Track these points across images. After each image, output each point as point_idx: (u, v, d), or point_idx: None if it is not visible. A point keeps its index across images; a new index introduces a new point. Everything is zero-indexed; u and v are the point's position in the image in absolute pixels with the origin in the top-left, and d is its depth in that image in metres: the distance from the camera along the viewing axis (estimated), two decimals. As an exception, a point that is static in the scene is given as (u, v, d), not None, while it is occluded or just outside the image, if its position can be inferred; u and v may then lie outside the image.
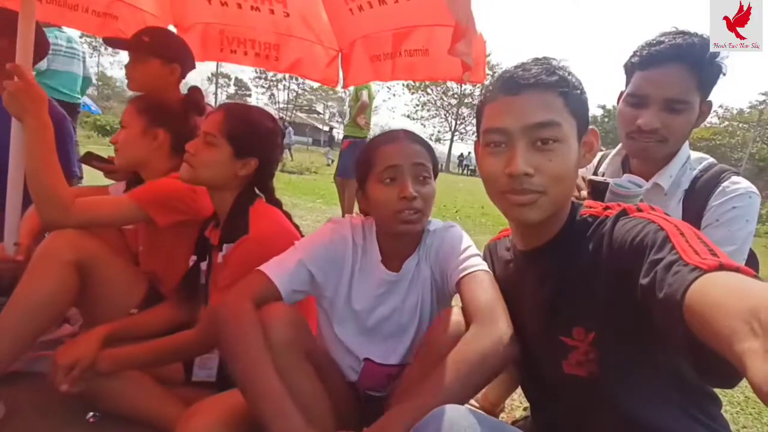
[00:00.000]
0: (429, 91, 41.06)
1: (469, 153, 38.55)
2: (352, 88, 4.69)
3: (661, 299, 0.58)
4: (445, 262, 1.10)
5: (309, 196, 7.38)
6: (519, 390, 1.83)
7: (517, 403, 1.76)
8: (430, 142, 1.18)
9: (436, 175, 1.15)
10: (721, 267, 0.56)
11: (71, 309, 1.57)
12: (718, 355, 0.49)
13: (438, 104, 43.13)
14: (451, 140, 42.45)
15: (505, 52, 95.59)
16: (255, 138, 1.31)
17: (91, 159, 1.73)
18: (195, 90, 1.73)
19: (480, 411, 0.82)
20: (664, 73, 1.13)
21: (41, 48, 1.84)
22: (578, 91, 0.83)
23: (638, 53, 1.18)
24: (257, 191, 1.39)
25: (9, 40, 1.39)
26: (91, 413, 1.31)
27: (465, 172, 35.83)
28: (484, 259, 1.10)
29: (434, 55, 2.11)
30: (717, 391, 0.87)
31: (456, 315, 0.97)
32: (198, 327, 1.21)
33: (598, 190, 1.10)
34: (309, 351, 1.00)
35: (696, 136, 27.11)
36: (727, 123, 31.17)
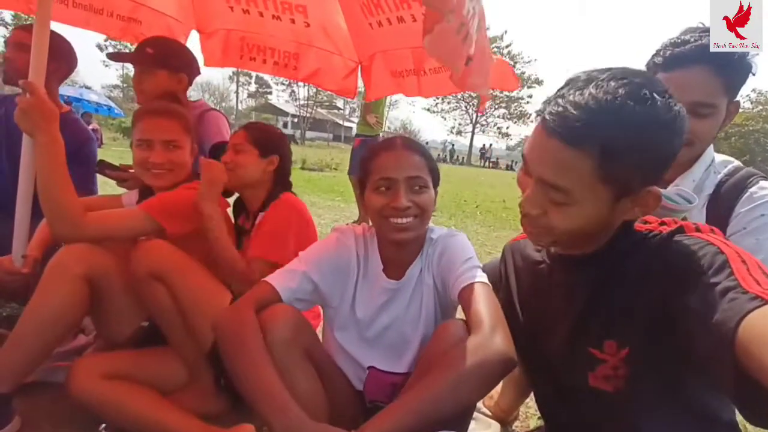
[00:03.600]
0: (449, 83, 40.58)
1: (491, 145, 38.09)
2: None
3: (713, 325, 0.56)
4: (446, 271, 1.09)
5: (328, 194, 7.39)
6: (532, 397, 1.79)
7: (533, 411, 1.71)
8: (452, 135, 1.16)
9: (436, 182, 1.14)
10: None
11: (86, 320, 1.59)
12: (765, 390, 0.47)
13: (458, 96, 42.69)
14: (473, 133, 42.04)
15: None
16: (272, 139, 1.61)
17: (103, 168, 1.75)
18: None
19: None
20: (688, 75, 1.06)
21: (70, 62, 1.88)
22: (628, 154, 0.74)
23: (661, 53, 1.11)
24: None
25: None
26: (103, 425, 1.33)
27: (486, 164, 35.41)
28: (502, 258, 1.13)
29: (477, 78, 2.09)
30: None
31: (458, 327, 0.96)
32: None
33: None
34: (310, 351, 1.02)
35: (728, 121, 26.09)
36: (761, 107, 29.81)
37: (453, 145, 42.27)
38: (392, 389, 1.14)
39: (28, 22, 1.72)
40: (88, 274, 1.30)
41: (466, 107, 43.25)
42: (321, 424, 0.84)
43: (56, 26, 1.61)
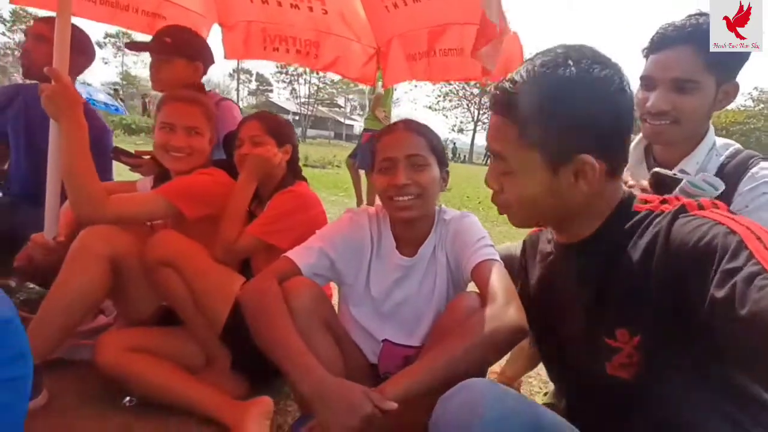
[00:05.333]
0: (451, 81, 40.55)
1: (492, 143, 37.96)
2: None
3: (745, 317, 0.53)
4: (460, 250, 1.13)
5: (332, 190, 7.45)
6: (538, 374, 1.84)
7: (537, 389, 1.77)
8: (453, 134, 1.21)
9: (442, 162, 1.19)
10: None
11: (105, 301, 1.65)
12: None
13: (460, 94, 42.67)
14: (474, 131, 41.96)
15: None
16: (285, 129, 1.63)
17: (118, 154, 1.80)
18: None
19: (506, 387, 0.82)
20: (670, 54, 1.14)
21: (88, 55, 1.93)
22: (545, 122, 0.76)
23: (651, 38, 1.19)
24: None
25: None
26: (128, 398, 1.38)
27: (488, 162, 35.33)
28: (522, 251, 1.13)
29: (469, 54, 2.11)
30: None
31: (471, 299, 1.01)
32: None
33: (663, 185, 1.07)
34: (328, 322, 1.08)
35: (729, 120, 25.94)
36: (762, 105, 29.74)
37: (455, 143, 42.24)
38: (405, 362, 1.19)
39: (26, 20, 1.78)
40: (110, 256, 1.36)
41: (467, 105, 43.20)
42: (341, 379, 0.90)
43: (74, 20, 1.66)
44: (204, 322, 1.43)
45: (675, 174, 1.08)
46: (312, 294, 1.05)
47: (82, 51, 1.85)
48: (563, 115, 0.74)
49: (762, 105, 29.81)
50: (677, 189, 1.03)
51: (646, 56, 1.22)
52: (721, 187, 1.03)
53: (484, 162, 35.25)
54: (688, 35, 1.11)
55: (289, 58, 2.51)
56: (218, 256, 1.45)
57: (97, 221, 1.35)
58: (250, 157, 1.49)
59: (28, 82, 2.01)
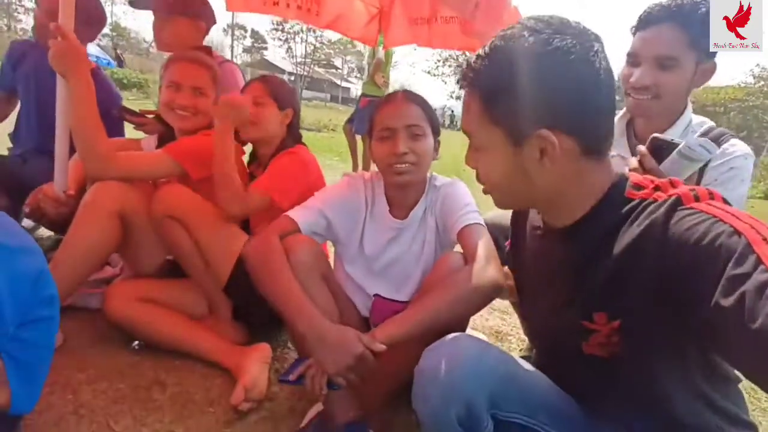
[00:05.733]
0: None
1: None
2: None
3: (757, 331, 0.50)
4: (448, 213, 1.23)
5: (326, 154, 7.46)
6: (517, 333, 1.99)
7: (515, 346, 1.91)
8: (451, 100, 1.27)
9: (435, 131, 1.27)
10: None
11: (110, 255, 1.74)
12: None
13: (460, 60, 41.20)
14: (472, 99, 41.26)
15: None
16: (288, 92, 1.68)
17: (123, 112, 1.85)
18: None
19: (488, 342, 0.89)
20: (654, 31, 1.20)
21: (100, 23, 1.94)
22: (506, 96, 0.74)
23: (639, 16, 1.25)
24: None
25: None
26: (136, 342, 1.50)
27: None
28: (513, 217, 1.09)
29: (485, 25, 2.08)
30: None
31: (456, 258, 1.12)
32: None
33: (660, 148, 1.11)
34: (325, 276, 1.18)
35: (729, 97, 25.71)
36: (763, 83, 29.48)
37: (453, 110, 41.72)
38: (394, 315, 1.31)
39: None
40: (119, 211, 1.44)
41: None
42: (337, 324, 1.01)
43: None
44: (208, 273, 1.53)
45: (672, 139, 1.13)
46: (311, 250, 1.15)
47: (95, 21, 1.88)
48: (519, 87, 0.71)
49: (762, 82, 29.52)
50: (674, 152, 1.08)
51: (634, 34, 1.28)
52: (715, 151, 1.09)
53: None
54: (671, 14, 1.18)
55: (290, 13, 2.47)
56: (232, 211, 1.47)
57: (104, 177, 1.42)
58: (218, 104, 1.44)
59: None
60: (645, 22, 1.23)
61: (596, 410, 0.81)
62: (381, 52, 4.51)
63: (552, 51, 0.69)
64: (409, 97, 1.26)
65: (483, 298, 1.03)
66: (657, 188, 0.73)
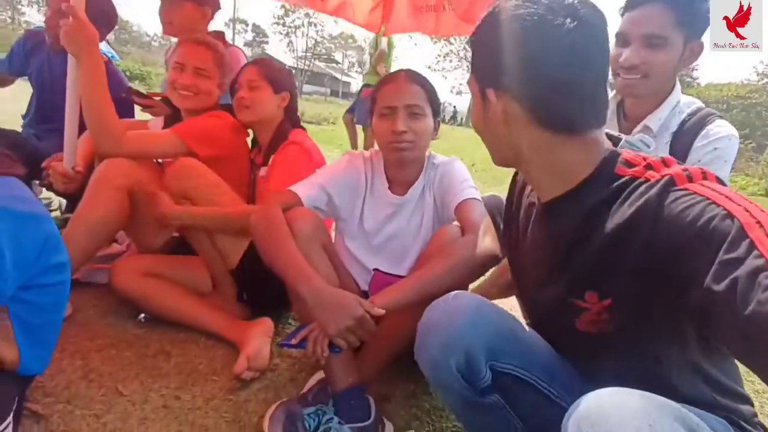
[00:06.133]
0: (452, 41, 39.66)
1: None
2: (372, 35, 4.69)
3: (748, 317, 0.50)
4: (446, 189, 1.28)
5: (327, 146, 7.47)
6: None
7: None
8: (451, 95, 1.31)
9: (436, 112, 1.31)
10: None
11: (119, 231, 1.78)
12: None
13: (461, 55, 41.75)
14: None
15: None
16: (283, 76, 1.66)
17: (131, 94, 1.89)
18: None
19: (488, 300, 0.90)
20: (642, 11, 1.23)
21: (111, 23, 2.00)
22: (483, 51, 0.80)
23: None
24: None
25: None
26: (142, 315, 1.55)
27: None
28: (510, 189, 1.09)
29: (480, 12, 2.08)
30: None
31: (453, 230, 1.16)
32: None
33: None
34: (326, 247, 1.22)
35: (731, 94, 25.60)
36: (766, 80, 29.36)
37: (455, 106, 41.64)
38: None
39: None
40: (128, 186, 1.49)
41: (468, 67, 42.28)
42: (338, 289, 1.06)
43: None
44: (217, 254, 1.56)
45: (618, 135, 1.18)
46: (312, 221, 1.19)
47: (106, 23, 1.93)
48: (482, 45, 0.79)
49: (766, 80, 29.38)
50: (618, 146, 1.14)
51: (622, 15, 1.31)
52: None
53: (481, 126, 34.82)
54: None
55: (298, 0, 2.51)
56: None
57: (114, 155, 1.46)
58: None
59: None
60: (633, 2, 1.26)
61: (592, 380, 0.76)
62: (384, 43, 4.54)
63: (513, 16, 0.71)
64: (410, 76, 1.29)
65: (479, 267, 1.08)
66: (649, 167, 0.71)
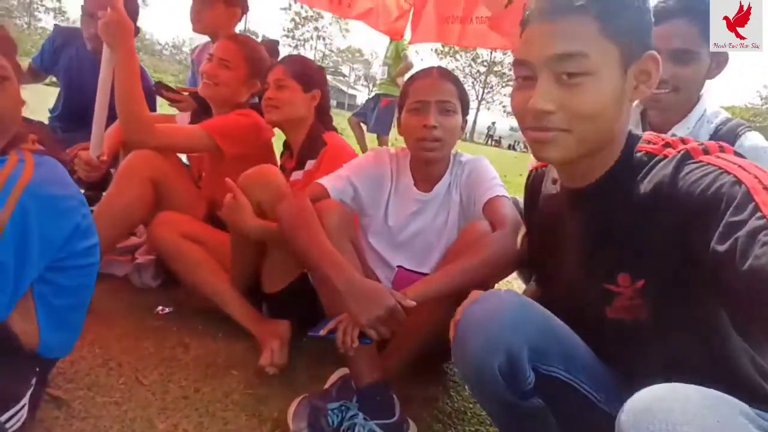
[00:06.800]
0: (458, 57, 40.11)
1: (494, 123, 37.81)
2: (386, 45, 4.74)
3: (746, 272, 0.51)
4: (473, 186, 1.28)
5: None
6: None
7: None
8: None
9: (465, 111, 1.31)
10: None
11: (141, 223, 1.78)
12: None
13: (466, 71, 42.18)
14: (477, 109, 41.64)
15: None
16: (313, 73, 1.59)
17: (160, 88, 1.91)
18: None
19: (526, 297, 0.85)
20: (669, 26, 1.22)
21: (135, 16, 2.01)
22: (626, 11, 0.72)
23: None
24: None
25: None
26: (160, 307, 1.55)
27: (489, 143, 35.33)
28: (526, 186, 1.10)
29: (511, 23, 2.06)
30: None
31: (483, 225, 1.15)
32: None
33: None
34: (353, 241, 1.21)
35: (736, 116, 25.75)
36: (770, 105, 29.45)
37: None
38: None
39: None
40: (153, 177, 1.50)
41: (473, 83, 42.78)
42: (368, 279, 1.05)
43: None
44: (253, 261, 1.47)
45: (640, 134, 1.18)
46: (341, 213, 1.19)
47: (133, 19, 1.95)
48: (637, 3, 0.75)
49: (769, 104, 29.46)
50: None
51: None
52: None
53: (485, 142, 35.17)
54: (684, 8, 1.21)
55: (321, 4, 2.54)
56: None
57: (143, 146, 1.48)
58: (100, 25, 1.38)
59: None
60: (657, 16, 1.24)
61: (636, 382, 0.72)
62: (409, 58, 4.56)
63: None
64: (443, 73, 1.30)
65: (509, 263, 1.07)
66: (667, 145, 0.74)
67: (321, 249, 1.08)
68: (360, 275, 1.05)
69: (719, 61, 1.27)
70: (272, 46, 2.00)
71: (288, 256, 1.30)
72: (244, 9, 1.97)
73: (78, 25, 2.12)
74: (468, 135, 38.55)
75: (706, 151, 0.68)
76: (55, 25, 2.30)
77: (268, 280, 1.46)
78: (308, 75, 1.57)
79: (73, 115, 2.12)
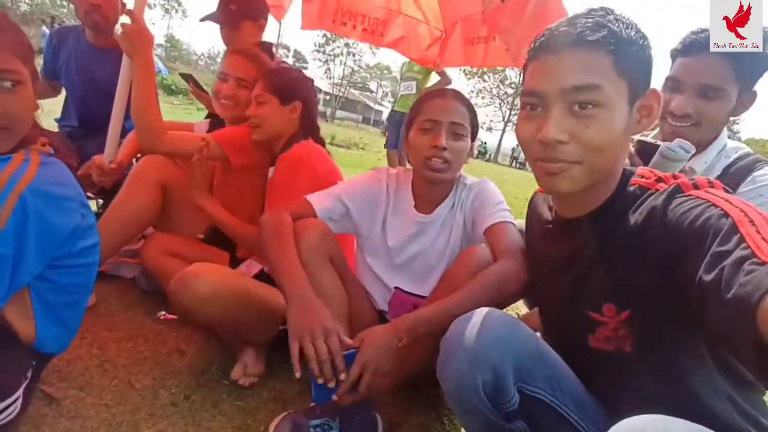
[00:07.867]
0: (486, 78, 40.16)
1: (518, 145, 37.58)
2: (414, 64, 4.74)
3: (729, 300, 0.51)
4: (477, 210, 1.25)
5: (354, 169, 7.58)
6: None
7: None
8: (481, 131, 1.30)
9: (474, 136, 1.29)
10: None
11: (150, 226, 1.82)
12: None
13: (494, 92, 42.15)
14: (503, 131, 41.45)
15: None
16: (291, 83, 1.55)
17: (190, 82, 1.97)
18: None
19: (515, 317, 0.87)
20: (700, 60, 1.18)
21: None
22: (634, 48, 0.74)
23: (682, 40, 1.24)
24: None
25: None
26: (162, 312, 1.56)
27: (514, 164, 35.11)
28: (528, 210, 1.12)
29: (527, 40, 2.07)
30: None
31: (483, 251, 1.12)
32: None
33: (646, 151, 1.14)
34: (333, 258, 1.18)
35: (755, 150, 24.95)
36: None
37: (485, 143, 41.77)
38: (413, 310, 1.32)
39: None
40: (161, 181, 1.53)
41: (500, 104, 42.70)
42: (319, 300, 1.00)
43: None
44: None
45: (656, 141, 1.14)
46: (319, 232, 1.16)
47: None
48: (644, 41, 0.78)
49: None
50: (657, 153, 1.12)
51: (674, 58, 1.27)
52: (692, 150, 1.11)
53: (510, 164, 34.94)
54: None
55: (355, 34, 2.59)
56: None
57: (155, 151, 1.51)
58: (122, 36, 1.43)
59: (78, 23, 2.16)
60: (690, 48, 1.21)
61: (618, 412, 0.74)
62: (447, 74, 4.55)
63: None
64: (457, 95, 1.29)
65: (510, 295, 1.03)
66: (659, 180, 0.76)
67: (285, 262, 1.07)
68: (312, 294, 1.01)
69: (746, 100, 1.22)
70: (268, 49, 2.02)
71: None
72: (267, 15, 2.00)
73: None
74: (492, 156, 38.44)
75: (696, 186, 0.70)
76: (49, 32, 2.33)
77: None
78: (284, 88, 1.53)
79: (80, 118, 2.13)
